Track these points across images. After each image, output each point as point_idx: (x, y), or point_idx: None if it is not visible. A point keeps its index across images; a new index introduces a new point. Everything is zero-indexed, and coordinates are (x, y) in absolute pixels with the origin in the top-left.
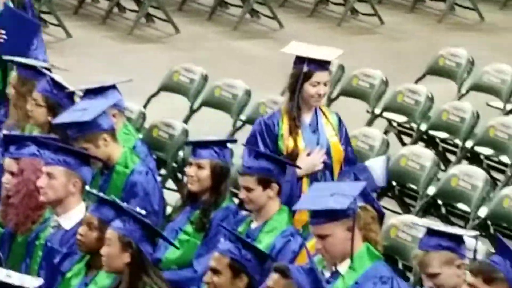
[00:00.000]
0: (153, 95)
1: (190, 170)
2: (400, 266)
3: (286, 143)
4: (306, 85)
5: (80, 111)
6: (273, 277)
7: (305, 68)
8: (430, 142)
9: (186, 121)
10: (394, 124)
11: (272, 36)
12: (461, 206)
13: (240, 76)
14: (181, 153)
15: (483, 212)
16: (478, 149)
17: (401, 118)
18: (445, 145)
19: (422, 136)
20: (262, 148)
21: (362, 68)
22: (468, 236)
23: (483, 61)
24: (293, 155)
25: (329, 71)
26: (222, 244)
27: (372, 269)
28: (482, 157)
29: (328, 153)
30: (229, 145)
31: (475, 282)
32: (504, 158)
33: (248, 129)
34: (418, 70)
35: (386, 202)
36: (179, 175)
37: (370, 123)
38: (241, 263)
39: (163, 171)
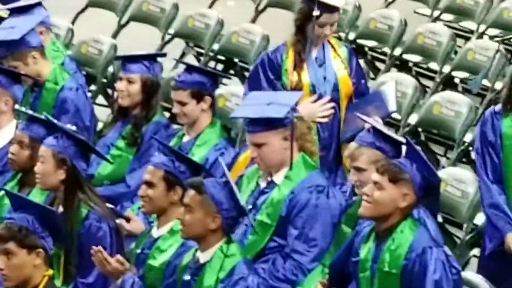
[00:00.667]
0: (81, 11)
1: (120, 85)
2: None
3: (290, 77)
4: (313, 25)
5: (7, 30)
6: (189, 193)
7: (315, 12)
8: (359, 51)
9: (114, 36)
10: None
11: None
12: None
13: None
14: (110, 69)
15: (413, 119)
16: (406, 56)
17: None
18: (374, 54)
19: (351, 45)
20: (264, 83)
21: None
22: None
23: None
24: (297, 90)
25: (338, 11)
26: (155, 157)
27: (308, 178)
28: (411, 64)
29: (335, 87)
30: (158, 59)
31: (380, 180)
32: (433, 65)
33: (176, 42)
34: None
35: None
36: (109, 90)
37: None
38: (175, 175)
39: (93, 87)
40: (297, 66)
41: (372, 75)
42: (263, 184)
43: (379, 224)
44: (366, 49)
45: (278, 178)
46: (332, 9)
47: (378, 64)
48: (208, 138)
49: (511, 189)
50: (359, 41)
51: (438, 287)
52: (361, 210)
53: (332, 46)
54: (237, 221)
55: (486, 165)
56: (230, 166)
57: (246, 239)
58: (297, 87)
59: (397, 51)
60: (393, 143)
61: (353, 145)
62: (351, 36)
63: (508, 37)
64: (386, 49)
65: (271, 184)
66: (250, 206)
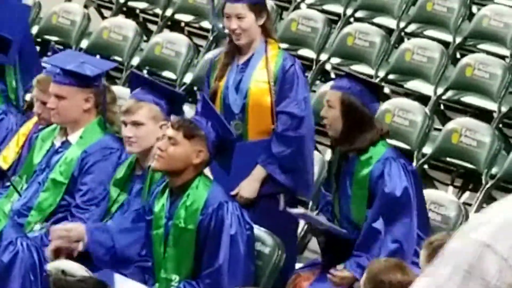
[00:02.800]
0: None
1: None
2: None
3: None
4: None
5: None
6: None
7: None
8: (131, 13)
9: None
10: None
11: None
12: (166, 74)
13: None
14: None
15: (188, 78)
16: (178, 16)
17: None
18: (146, 15)
19: (122, 8)
20: (206, 88)
21: None
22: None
23: None
24: (212, 95)
25: (249, 4)
26: None
27: (101, 140)
28: (183, 24)
29: (244, 96)
30: None
31: (175, 135)
32: (205, 24)
33: None
34: None
35: None
36: None
37: None
38: None
39: None
40: (220, 70)
41: (145, 38)
42: (58, 144)
43: (172, 181)
44: (138, 11)
45: (73, 138)
46: None
47: (150, 26)
48: None
49: None
50: (130, 3)
51: (234, 241)
52: (154, 163)
53: (266, 57)
54: None
55: None
56: (15, 130)
57: (38, 197)
58: (213, 92)
59: (169, 12)
60: (170, 100)
61: (130, 101)
62: None
63: None
64: (158, 10)
65: (66, 144)
66: (43, 165)
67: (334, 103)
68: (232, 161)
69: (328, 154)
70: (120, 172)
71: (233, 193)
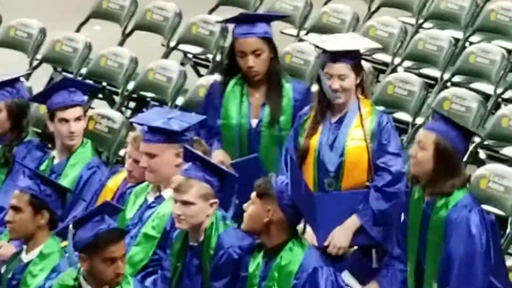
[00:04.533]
0: None
1: None
2: None
3: (302, 139)
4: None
5: None
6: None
7: (320, 57)
8: None
9: None
10: (190, 55)
11: None
12: None
13: (34, 15)
14: None
15: None
16: None
17: (197, 50)
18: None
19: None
20: (292, 144)
21: (155, 1)
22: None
23: None
24: (303, 153)
25: (351, 65)
26: (21, 181)
27: None
28: None
29: (340, 154)
30: (27, 82)
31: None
32: None
33: (44, 68)
34: (211, 1)
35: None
36: None
37: (166, 55)
38: (41, 199)
39: None
40: (311, 128)
41: None
42: (151, 199)
43: (264, 241)
44: None
45: (166, 193)
46: (335, 56)
47: None
48: (80, 157)
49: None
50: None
51: None
52: (242, 225)
53: (361, 115)
54: None
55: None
56: (103, 184)
57: (129, 251)
58: (304, 150)
59: None
60: (220, 177)
61: (180, 177)
62: (219, 57)
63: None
64: None
65: (159, 199)
66: (136, 220)
67: (427, 145)
68: (326, 210)
69: None
70: (176, 245)
71: (325, 243)
